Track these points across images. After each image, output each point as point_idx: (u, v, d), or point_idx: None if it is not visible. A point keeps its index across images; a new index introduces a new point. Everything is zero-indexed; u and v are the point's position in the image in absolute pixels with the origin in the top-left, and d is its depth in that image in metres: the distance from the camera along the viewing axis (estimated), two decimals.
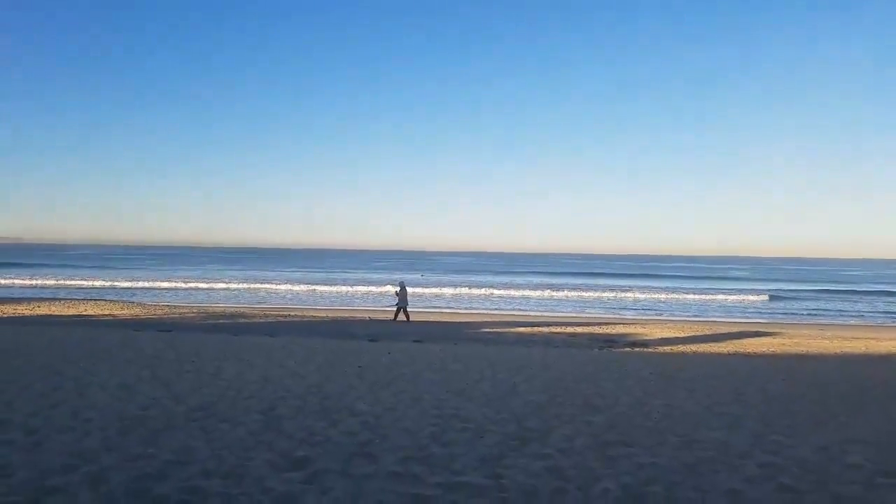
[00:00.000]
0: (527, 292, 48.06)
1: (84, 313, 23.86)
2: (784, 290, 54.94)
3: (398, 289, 24.68)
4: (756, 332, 23.98)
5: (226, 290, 44.54)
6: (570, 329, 22.98)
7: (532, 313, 33.70)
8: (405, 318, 24.06)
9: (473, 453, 5.67)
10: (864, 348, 19.03)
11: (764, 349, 18.32)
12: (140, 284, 47.91)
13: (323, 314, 27.90)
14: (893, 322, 33.37)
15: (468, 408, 7.68)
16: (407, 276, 47.65)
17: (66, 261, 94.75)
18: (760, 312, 36.82)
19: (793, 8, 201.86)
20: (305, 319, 24.28)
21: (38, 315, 22.65)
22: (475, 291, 48.15)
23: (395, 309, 24.59)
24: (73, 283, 48.71)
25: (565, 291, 48.64)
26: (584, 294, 47.12)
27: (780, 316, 35.11)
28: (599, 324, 25.85)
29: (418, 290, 44.08)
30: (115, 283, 48.49)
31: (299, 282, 54.53)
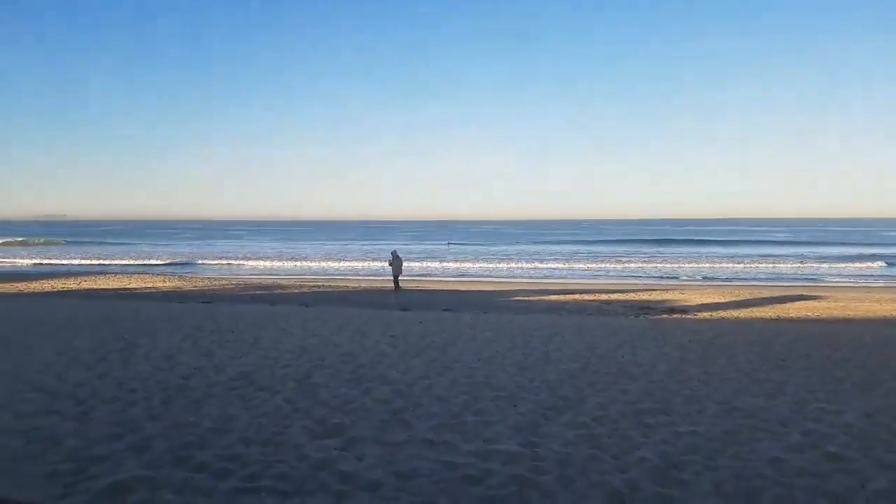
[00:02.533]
0: (558, 260, 47.74)
1: (128, 287, 24.52)
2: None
3: (391, 258, 24.48)
4: (800, 295, 23.41)
5: (262, 262, 45.25)
6: (604, 296, 22.76)
7: (564, 280, 33.48)
8: (394, 287, 23.85)
9: (506, 421, 5.67)
10: None
11: (808, 313, 17.89)
12: (179, 259, 49.01)
13: (355, 284, 28.16)
14: None
15: (500, 376, 7.67)
16: (433, 246, 47.54)
17: (107, 237, 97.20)
18: (805, 276, 35.88)
19: None
20: (339, 290, 24.53)
21: (84, 289, 23.33)
22: (504, 260, 48.02)
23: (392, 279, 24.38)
24: (115, 257, 50.08)
25: (602, 261, 48.08)
26: (621, 261, 46.58)
27: (826, 279, 34.19)
28: (635, 290, 25.55)
29: (445, 263, 44.09)
30: (155, 258, 49.74)
31: (332, 253, 55.12)
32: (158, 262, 46.18)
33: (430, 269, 40.71)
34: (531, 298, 22.19)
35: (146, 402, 6.06)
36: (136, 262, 45.19)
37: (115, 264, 44.11)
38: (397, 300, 20.44)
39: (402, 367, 8.06)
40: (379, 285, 27.30)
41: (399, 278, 24.30)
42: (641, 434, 5.38)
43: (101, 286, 24.50)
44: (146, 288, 24.05)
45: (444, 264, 43.14)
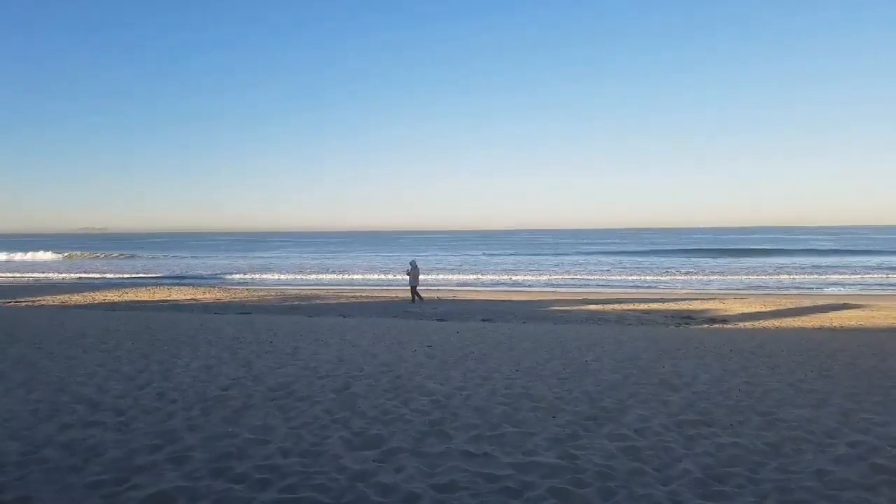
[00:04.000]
0: (595, 269, 47.26)
1: (168, 298, 25.05)
2: None
3: (409, 268, 24.56)
4: (843, 304, 22.73)
5: (301, 273, 45.79)
6: (643, 306, 22.42)
7: (603, 290, 33.10)
8: (412, 298, 23.87)
9: (546, 433, 5.59)
10: None
11: (852, 323, 17.34)
12: (218, 270, 49.96)
13: (392, 295, 28.28)
14: None
15: (539, 387, 7.59)
16: (470, 256, 47.41)
17: (147, 249, 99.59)
18: (844, 285, 34.86)
19: None
20: (376, 300, 24.67)
21: (125, 301, 23.93)
22: (541, 269, 47.71)
23: (410, 289, 24.39)
24: (156, 269, 51.30)
25: (641, 270, 47.41)
26: (660, 269, 45.89)
27: (870, 287, 33.16)
28: (675, 300, 25.12)
29: (482, 273, 43.87)
30: (197, 269, 50.80)
31: (370, 264, 55.53)
32: (198, 271, 47.16)
33: (467, 279, 40.68)
34: (569, 308, 21.98)
35: (185, 412, 6.15)
36: (174, 275, 46.21)
37: (155, 273, 45.16)
38: (421, 309, 20.49)
39: (440, 378, 8.04)
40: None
41: (417, 288, 24.31)
42: (684, 446, 5.26)
43: (143, 298, 25.09)
44: (187, 299, 24.53)
45: (481, 275, 42.96)
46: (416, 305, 22.41)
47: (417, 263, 25.43)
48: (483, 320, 17.37)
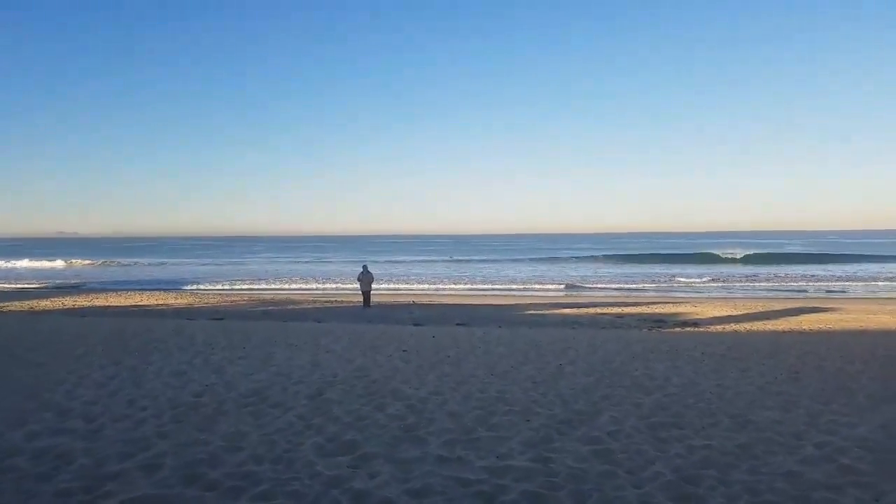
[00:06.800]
0: (570, 274, 47.62)
1: (140, 303, 24.66)
2: None
3: (360, 273, 24.29)
4: (812, 308, 23.18)
5: (274, 278, 45.36)
6: (616, 309, 22.63)
7: (577, 294, 33.36)
8: (362, 302, 23.67)
9: (520, 437, 5.63)
10: None
11: (820, 326, 17.70)
12: (192, 274, 49.30)
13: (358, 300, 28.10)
14: None
15: (513, 391, 7.63)
16: (447, 260, 47.40)
17: (120, 254, 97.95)
18: (816, 288, 35.61)
19: None
20: (351, 305, 24.55)
21: (96, 306, 23.49)
22: (516, 273, 47.92)
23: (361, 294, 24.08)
24: (128, 273, 50.43)
25: (615, 274, 47.88)
26: (630, 274, 46.39)
27: (837, 292, 33.90)
28: (648, 304, 25.41)
29: (456, 277, 43.88)
30: (168, 274, 50.07)
31: (341, 268, 55.24)
32: (170, 275, 46.47)
33: (442, 283, 40.67)
34: (544, 312, 22.10)
35: (157, 419, 6.07)
36: (148, 276, 45.50)
37: (127, 277, 44.42)
38: (381, 313, 20.43)
39: (415, 383, 8.03)
40: (391, 300, 27.30)
41: (370, 294, 24.09)
42: (656, 448, 5.33)
43: (115, 303, 24.67)
44: (159, 305, 24.18)
45: (456, 281, 42.97)
46: (372, 310, 22.12)
47: (369, 268, 25.17)
48: (458, 324, 17.38)
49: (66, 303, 24.51)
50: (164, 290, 34.07)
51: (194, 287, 38.47)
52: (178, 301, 25.76)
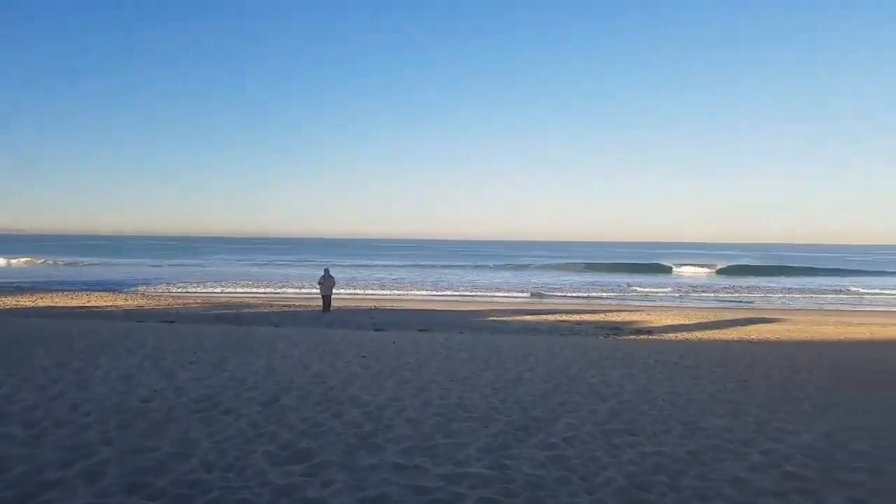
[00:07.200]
0: (532, 281, 47.99)
1: (87, 304, 23.87)
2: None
3: (322, 276, 23.84)
4: (761, 318, 23.88)
5: (232, 281, 44.47)
6: (575, 317, 22.90)
7: (538, 301, 33.63)
8: (321, 306, 23.28)
9: (478, 443, 5.61)
10: (868, 334, 18.92)
11: (768, 335, 18.23)
12: (145, 275, 47.99)
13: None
14: None
15: (473, 397, 7.62)
16: (411, 265, 47.24)
17: (67, 252, 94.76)
18: (764, 299, 36.70)
19: None
20: (311, 309, 24.22)
21: (40, 306, 22.64)
22: (479, 280, 48.07)
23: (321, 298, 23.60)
24: (75, 274, 48.82)
25: (575, 283, 48.39)
26: (590, 282, 47.02)
27: (782, 302, 35.01)
28: (605, 311, 25.78)
29: (420, 282, 43.71)
30: (119, 274, 48.63)
31: (303, 271, 54.55)
32: (121, 276, 45.12)
33: (406, 288, 40.49)
34: (506, 319, 22.22)
35: (101, 425, 5.85)
36: (97, 276, 44.10)
37: (74, 278, 42.98)
38: (343, 318, 20.24)
39: (374, 389, 7.94)
40: (353, 305, 27.05)
41: (331, 298, 23.68)
42: (609, 455, 5.38)
43: (60, 304, 23.81)
44: (107, 306, 23.44)
45: (420, 286, 42.83)
46: (332, 315, 21.83)
47: (331, 272, 24.82)
48: (420, 330, 17.32)
49: (7, 302, 23.55)
50: (114, 291, 33.03)
51: (146, 288, 37.42)
52: (129, 303, 25.03)
